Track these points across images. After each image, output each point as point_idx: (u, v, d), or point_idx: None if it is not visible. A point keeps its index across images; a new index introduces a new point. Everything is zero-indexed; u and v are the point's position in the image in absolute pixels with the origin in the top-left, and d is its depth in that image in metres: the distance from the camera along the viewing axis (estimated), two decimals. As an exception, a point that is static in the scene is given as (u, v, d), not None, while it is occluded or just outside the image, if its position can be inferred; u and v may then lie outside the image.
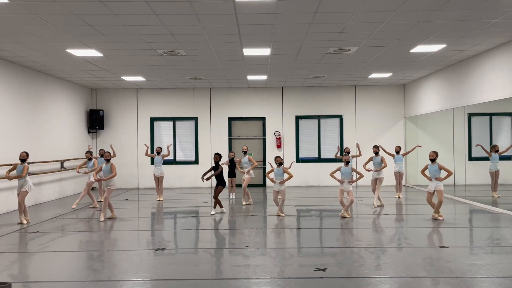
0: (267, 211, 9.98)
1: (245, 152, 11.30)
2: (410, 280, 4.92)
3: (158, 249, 6.50)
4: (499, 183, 11.01)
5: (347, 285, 4.83)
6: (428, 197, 8.75)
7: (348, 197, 8.84)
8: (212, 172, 9.48)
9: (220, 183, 9.45)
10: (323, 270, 5.30)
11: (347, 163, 9.09)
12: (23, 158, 8.60)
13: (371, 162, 10.78)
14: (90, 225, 8.54)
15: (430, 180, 8.62)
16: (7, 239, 7.36)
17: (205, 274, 5.33)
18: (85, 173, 10.39)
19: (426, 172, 8.85)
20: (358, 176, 8.96)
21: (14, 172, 8.83)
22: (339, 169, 9.09)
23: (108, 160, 9.21)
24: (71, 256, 6.37)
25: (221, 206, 9.66)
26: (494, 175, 10.91)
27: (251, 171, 11.15)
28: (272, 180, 9.21)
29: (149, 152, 12.12)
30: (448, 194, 12.02)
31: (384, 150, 11.82)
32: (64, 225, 8.58)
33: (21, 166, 8.60)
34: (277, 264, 5.68)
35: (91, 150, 11.08)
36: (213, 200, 9.53)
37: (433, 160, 8.66)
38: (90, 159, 10.53)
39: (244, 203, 10.86)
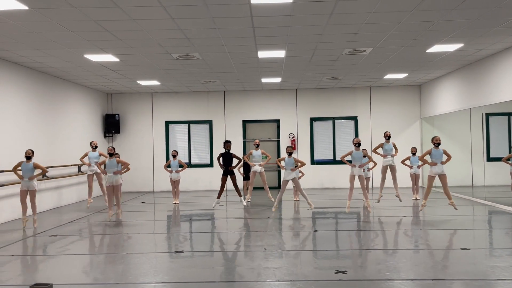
0: (282, 214, 9.96)
1: (257, 146, 11.03)
2: (432, 283, 4.85)
3: (176, 252, 6.54)
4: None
5: (369, 287, 4.79)
6: (431, 182, 8.59)
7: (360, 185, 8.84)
8: (238, 162, 9.50)
9: (231, 173, 9.43)
10: (343, 272, 5.26)
11: (358, 145, 9.02)
12: (30, 155, 8.40)
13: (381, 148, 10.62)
14: (108, 228, 8.62)
15: (435, 164, 8.47)
16: (28, 242, 7.48)
17: (225, 276, 5.34)
18: (97, 164, 10.29)
19: (427, 157, 8.73)
20: (373, 164, 8.91)
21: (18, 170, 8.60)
22: (350, 153, 9.13)
23: (111, 155, 8.96)
24: (91, 258, 6.44)
25: (240, 195, 9.60)
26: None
27: (263, 169, 10.85)
28: (282, 167, 9.33)
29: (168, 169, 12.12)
30: (466, 195, 11.85)
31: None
32: (82, 228, 8.68)
33: (29, 164, 8.37)
34: (296, 266, 5.67)
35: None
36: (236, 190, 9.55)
37: (438, 145, 8.57)
38: (95, 147, 10.88)
39: (247, 198, 10.91)
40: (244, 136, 15.32)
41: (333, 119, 15.21)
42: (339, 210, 10.48)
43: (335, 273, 5.25)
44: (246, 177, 11.71)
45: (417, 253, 6.33)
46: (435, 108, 13.79)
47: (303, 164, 9.26)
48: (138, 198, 13.48)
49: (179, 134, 15.48)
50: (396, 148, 10.60)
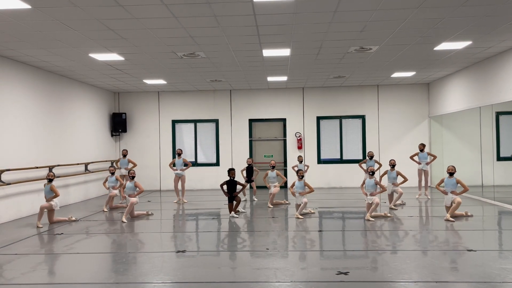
0: (287, 213, 9.89)
1: (273, 167, 11.13)
2: (436, 285, 4.76)
3: (179, 251, 6.52)
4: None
5: (370, 289, 4.71)
6: (448, 207, 8.74)
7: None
8: (242, 188, 9.49)
9: (236, 197, 9.43)
10: (345, 273, 5.19)
11: (372, 174, 9.00)
12: (51, 178, 8.85)
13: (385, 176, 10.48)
14: (113, 227, 8.64)
15: (446, 194, 8.63)
16: (33, 241, 7.52)
17: (226, 277, 5.29)
18: (114, 188, 10.59)
19: (442, 185, 8.82)
20: (381, 189, 8.88)
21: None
22: (364, 181, 9.24)
23: (132, 178, 9.46)
24: (95, 257, 6.44)
25: (235, 212, 9.57)
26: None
27: (277, 186, 10.98)
28: (293, 193, 9.27)
29: (172, 167, 12.23)
30: (475, 195, 11.67)
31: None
32: (88, 227, 8.71)
33: (48, 186, 8.81)
34: (298, 267, 5.60)
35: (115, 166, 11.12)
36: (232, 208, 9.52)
37: (451, 174, 8.60)
38: (113, 173, 10.67)
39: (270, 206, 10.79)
40: (250, 135, 15.27)
41: (340, 118, 15.09)
42: (345, 210, 10.39)
43: (337, 274, 5.18)
44: (248, 181, 11.81)
45: (422, 254, 6.22)
46: (443, 107, 13.60)
47: (311, 190, 9.17)
48: (145, 196, 13.50)
49: (185, 132, 15.49)
50: (403, 177, 9.94)
